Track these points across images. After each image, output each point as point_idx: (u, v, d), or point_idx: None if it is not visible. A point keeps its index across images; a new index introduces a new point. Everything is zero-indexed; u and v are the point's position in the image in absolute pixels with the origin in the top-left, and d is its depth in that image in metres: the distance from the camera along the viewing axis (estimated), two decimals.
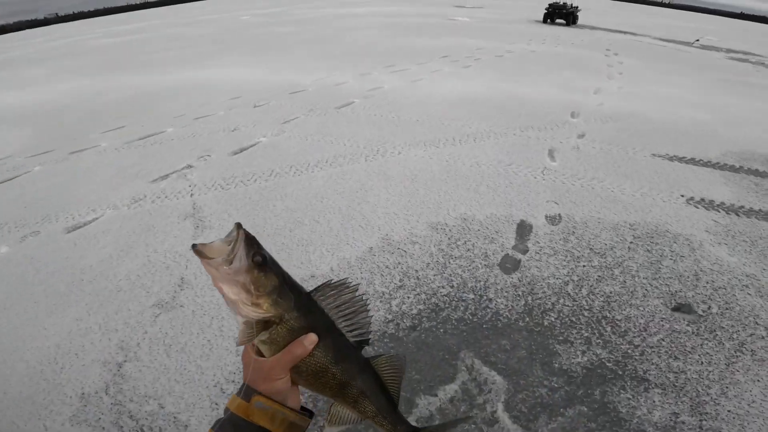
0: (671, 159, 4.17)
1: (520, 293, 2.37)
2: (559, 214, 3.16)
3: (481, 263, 2.62)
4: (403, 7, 18.71)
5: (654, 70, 8.31)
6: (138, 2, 26.87)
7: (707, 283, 2.49)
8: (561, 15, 14.96)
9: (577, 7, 15.20)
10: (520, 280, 2.48)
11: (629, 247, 2.79)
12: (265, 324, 0.50)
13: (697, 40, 14.06)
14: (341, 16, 15.65)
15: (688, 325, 2.18)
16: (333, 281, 0.55)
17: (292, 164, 3.94)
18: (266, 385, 0.51)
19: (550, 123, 5.06)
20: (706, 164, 4.09)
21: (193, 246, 0.45)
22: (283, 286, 0.50)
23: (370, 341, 0.63)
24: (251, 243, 0.47)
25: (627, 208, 3.27)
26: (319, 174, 3.81)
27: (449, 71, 7.46)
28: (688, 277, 2.53)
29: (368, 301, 0.58)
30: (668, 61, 9.67)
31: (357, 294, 0.56)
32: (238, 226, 0.47)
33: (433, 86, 6.43)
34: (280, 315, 0.50)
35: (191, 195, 3.41)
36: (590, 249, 2.78)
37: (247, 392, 0.51)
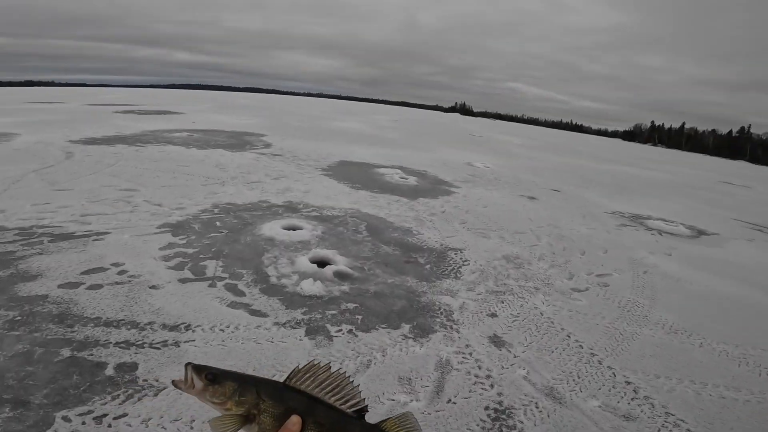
0: None
1: None
2: None
3: None
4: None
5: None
6: None
7: None
8: None
9: None
10: None
11: None
12: (246, 419, 0.58)
13: (194, 122, 14.87)
14: None
15: None
16: (299, 366, 0.62)
17: None
18: None
19: None
20: None
21: (173, 382, 0.60)
22: (244, 386, 0.59)
23: (367, 408, 0.64)
24: (200, 369, 0.60)
25: None
26: None
27: None
28: None
29: (346, 373, 0.62)
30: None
31: (333, 371, 0.61)
32: (186, 365, 0.60)
33: None
34: (251, 409, 0.58)
35: None
36: None
37: None
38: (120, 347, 2.73)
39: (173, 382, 0.60)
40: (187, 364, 0.60)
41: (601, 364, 3.18)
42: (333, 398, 0.60)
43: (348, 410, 0.60)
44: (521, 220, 6.95)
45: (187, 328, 3.04)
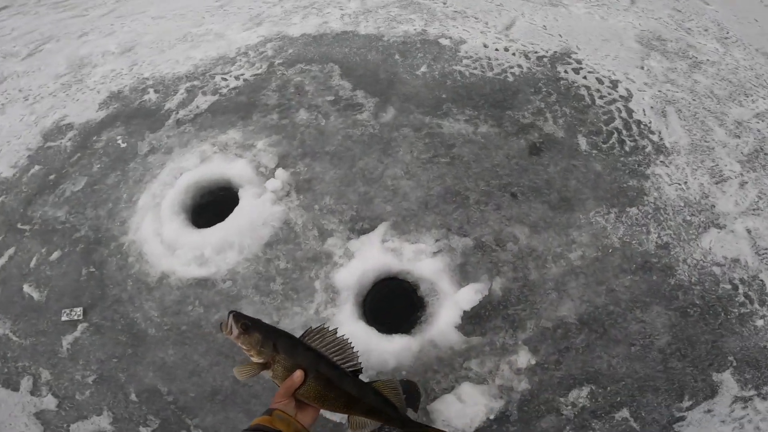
0: None
1: None
2: None
3: None
4: None
5: None
6: None
7: None
8: None
9: None
10: None
11: None
12: (264, 365, 0.72)
13: None
14: None
15: None
16: (312, 327, 0.74)
17: None
18: (275, 406, 0.71)
19: None
20: None
21: (219, 324, 0.75)
22: (266, 339, 0.71)
23: (362, 370, 0.76)
24: (238, 317, 0.71)
25: None
26: None
27: None
28: None
29: (349, 339, 0.74)
30: None
31: (338, 336, 0.74)
32: (229, 312, 0.72)
33: None
34: (268, 359, 0.71)
35: None
36: None
37: (268, 411, 0.70)
38: None
39: (220, 325, 0.72)
40: (230, 312, 0.71)
41: None
42: (336, 357, 0.71)
43: (346, 369, 0.72)
44: None
45: None
